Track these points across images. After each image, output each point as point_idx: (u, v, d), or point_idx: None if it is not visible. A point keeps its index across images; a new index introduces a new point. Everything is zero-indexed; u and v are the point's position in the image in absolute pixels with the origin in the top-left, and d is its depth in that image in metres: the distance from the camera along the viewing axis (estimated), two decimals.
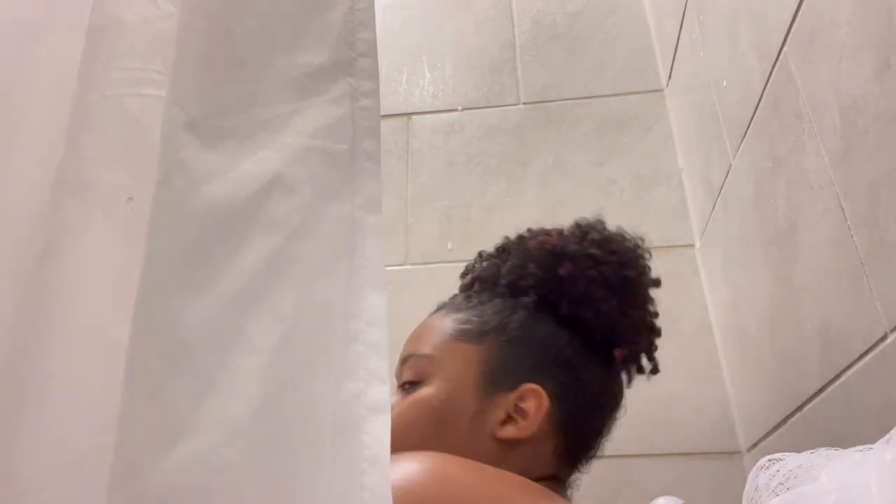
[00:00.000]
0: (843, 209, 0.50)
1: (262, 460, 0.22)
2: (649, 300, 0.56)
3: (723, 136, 0.77)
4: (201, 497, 0.22)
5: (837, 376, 0.52)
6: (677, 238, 0.93)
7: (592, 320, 0.52)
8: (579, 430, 0.50)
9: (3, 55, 0.34)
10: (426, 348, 0.50)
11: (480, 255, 0.59)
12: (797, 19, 0.56)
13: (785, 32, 0.58)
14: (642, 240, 0.57)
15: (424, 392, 0.48)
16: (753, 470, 0.36)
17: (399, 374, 0.51)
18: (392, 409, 0.45)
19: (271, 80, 0.29)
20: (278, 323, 0.24)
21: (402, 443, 0.43)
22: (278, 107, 0.29)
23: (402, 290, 0.92)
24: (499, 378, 0.48)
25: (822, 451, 0.34)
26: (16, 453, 0.23)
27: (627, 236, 0.56)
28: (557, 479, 0.49)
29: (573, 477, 0.51)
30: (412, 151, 1.06)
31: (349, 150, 0.28)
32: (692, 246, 0.91)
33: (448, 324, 0.51)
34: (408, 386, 0.49)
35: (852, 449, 0.33)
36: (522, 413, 0.47)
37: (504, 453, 0.46)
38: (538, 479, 0.46)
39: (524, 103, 1.07)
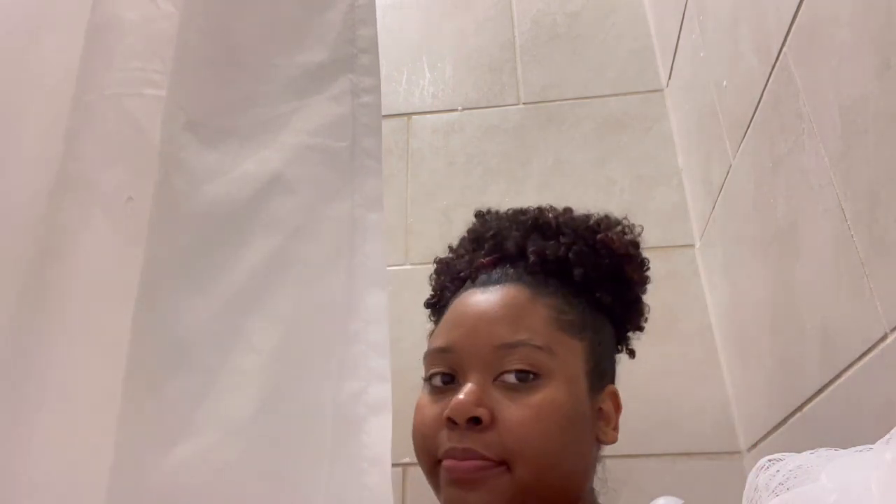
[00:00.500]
0: (843, 209, 0.50)
1: (261, 459, 0.22)
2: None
3: (723, 136, 0.77)
4: (201, 496, 0.22)
5: (837, 376, 0.52)
6: (677, 238, 0.92)
7: (632, 322, 0.54)
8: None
9: (3, 55, 0.34)
10: (538, 338, 0.46)
11: (496, 216, 0.56)
12: (797, 19, 0.56)
13: (785, 32, 0.58)
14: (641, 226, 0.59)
15: (554, 391, 0.44)
16: (753, 470, 0.36)
17: (497, 359, 0.45)
18: (498, 403, 0.43)
19: (271, 80, 0.29)
20: (278, 322, 0.24)
21: (545, 449, 0.43)
22: (279, 106, 0.29)
23: (402, 290, 0.92)
24: (597, 377, 0.48)
25: (822, 451, 0.34)
26: (16, 452, 0.23)
27: (637, 229, 0.57)
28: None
29: None
30: (412, 151, 1.06)
31: (349, 148, 0.28)
32: (692, 246, 0.91)
33: (543, 310, 0.47)
34: (525, 377, 0.44)
35: (852, 449, 0.33)
36: (603, 415, 0.48)
37: (595, 457, 0.48)
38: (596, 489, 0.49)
39: (524, 103, 1.07)
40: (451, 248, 0.60)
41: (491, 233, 0.55)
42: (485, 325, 0.47)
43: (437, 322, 0.55)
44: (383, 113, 0.30)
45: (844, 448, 0.34)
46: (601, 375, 0.48)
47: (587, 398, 0.46)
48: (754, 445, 0.73)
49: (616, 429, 0.48)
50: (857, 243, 0.48)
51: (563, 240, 0.52)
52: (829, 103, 0.51)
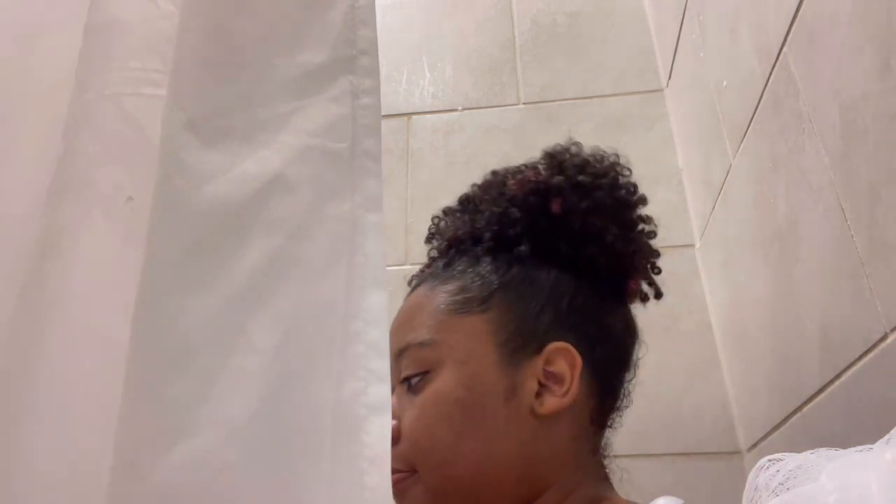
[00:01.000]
0: (843, 209, 0.50)
1: (262, 460, 0.22)
2: (645, 219, 0.50)
3: (723, 136, 0.77)
4: (201, 497, 0.22)
5: (837, 376, 0.52)
6: (677, 238, 0.93)
7: (599, 256, 0.45)
8: (612, 382, 0.44)
9: (3, 55, 0.34)
10: (423, 333, 0.42)
11: (444, 212, 0.51)
12: (797, 19, 0.55)
13: (785, 32, 0.58)
14: (617, 154, 0.50)
15: (440, 383, 0.40)
16: (753, 470, 0.36)
17: (396, 371, 0.43)
18: (402, 411, 0.41)
19: (271, 80, 0.29)
20: (279, 323, 0.24)
21: (433, 446, 0.38)
22: (278, 106, 0.29)
23: (402, 290, 0.92)
24: (519, 343, 0.41)
25: (822, 451, 0.34)
26: (15, 453, 0.23)
27: (605, 153, 0.49)
28: (602, 455, 0.44)
29: (606, 442, 0.45)
30: (412, 151, 1.06)
31: (349, 149, 0.28)
32: (692, 246, 0.91)
33: (439, 299, 0.44)
34: (413, 381, 0.41)
35: (852, 449, 0.33)
36: (555, 378, 0.40)
37: (547, 432, 0.40)
38: (593, 465, 0.42)
39: (524, 103, 1.07)
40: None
41: (428, 237, 0.53)
42: (391, 337, 0.46)
43: None
44: (383, 113, 0.30)
45: (844, 448, 0.34)
46: (528, 337, 0.41)
47: (498, 371, 0.40)
48: (754, 445, 0.73)
49: (567, 393, 0.40)
50: (857, 243, 0.48)
51: (476, 211, 0.48)
52: (829, 103, 0.51)
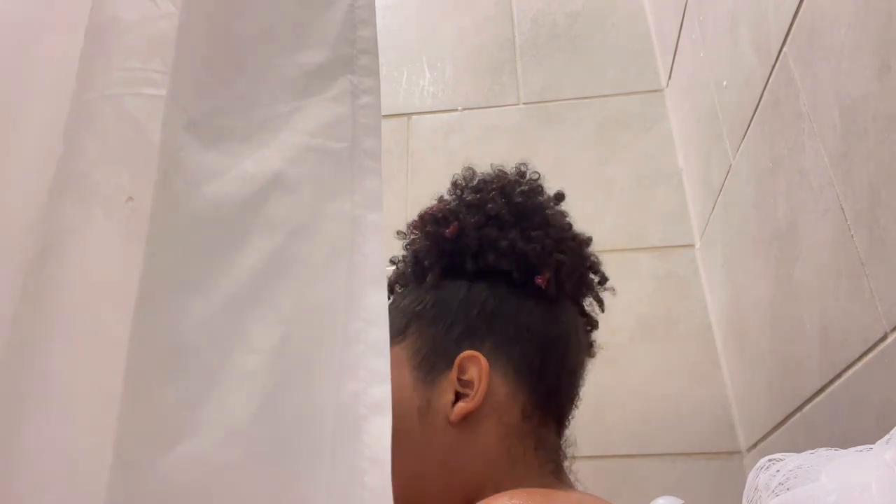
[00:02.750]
0: (843, 209, 0.50)
1: (262, 460, 0.22)
2: (556, 216, 0.51)
3: (723, 136, 0.77)
4: (201, 497, 0.22)
5: (837, 376, 0.52)
6: (677, 238, 0.93)
7: (500, 261, 0.47)
8: (542, 376, 0.45)
9: (3, 54, 0.34)
10: None
11: (392, 261, 0.55)
12: (797, 19, 0.56)
13: (785, 32, 0.58)
14: (524, 164, 0.53)
15: None
16: (753, 470, 0.36)
17: None
18: None
19: (271, 80, 0.29)
20: (278, 323, 0.24)
21: None
22: (278, 106, 0.29)
23: None
24: (433, 362, 0.44)
25: (822, 451, 0.34)
26: (16, 453, 0.23)
27: (500, 169, 0.53)
28: (551, 450, 0.44)
29: (564, 439, 0.46)
30: (412, 151, 1.06)
31: (349, 149, 0.28)
32: (692, 246, 0.91)
33: None
34: None
35: (852, 449, 0.33)
36: (469, 385, 0.43)
37: (469, 435, 0.42)
38: (535, 462, 0.42)
39: (524, 103, 1.07)
40: None
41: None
42: None
43: None
44: (383, 113, 0.30)
45: (844, 448, 0.34)
46: (440, 355, 0.44)
47: (414, 391, 0.43)
48: (754, 445, 0.73)
49: (475, 397, 0.42)
50: (857, 243, 0.48)
51: (405, 249, 0.52)
52: (829, 103, 0.51)
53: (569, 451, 0.46)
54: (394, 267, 0.55)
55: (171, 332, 0.24)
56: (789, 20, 0.56)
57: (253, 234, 0.26)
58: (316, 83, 0.29)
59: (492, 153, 1.06)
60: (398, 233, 0.55)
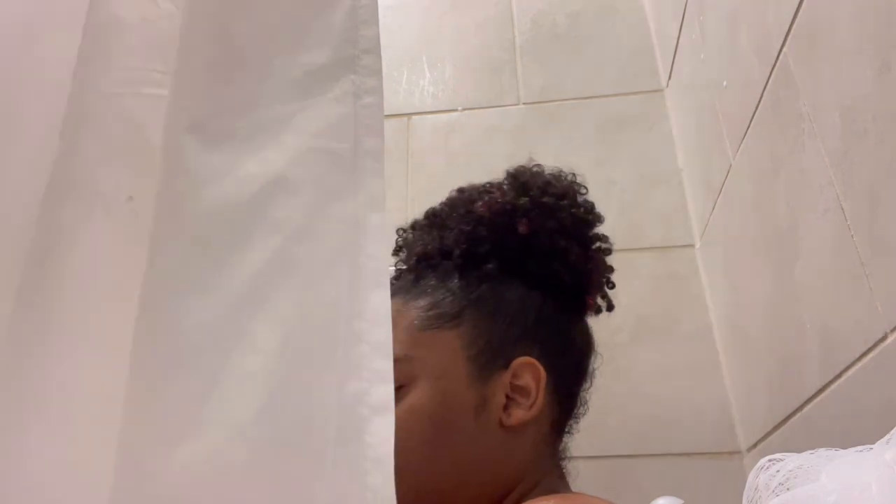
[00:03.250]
0: (843, 209, 0.50)
1: (265, 460, 0.22)
2: (601, 237, 0.52)
3: (723, 136, 0.77)
4: (204, 497, 0.21)
5: (837, 376, 0.52)
6: (677, 238, 0.93)
7: (563, 273, 0.47)
8: (571, 392, 0.46)
9: (3, 55, 0.34)
10: (397, 349, 0.43)
11: (411, 226, 0.53)
12: (797, 19, 0.56)
13: (785, 32, 0.58)
14: (574, 174, 0.53)
15: (413, 399, 0.42)
16: (753, 470, 0.36)
17: None
18: None
19: (273, 81, 0.29)
20: (281, 323, 0.24)
21: (406, 458, 0.38)
22: (280, 107, 0.29)
23: None
24: (489, 358, 0.43)
25: (822, 451, 0.34)
26: (18, 454, 0.23)
27: (564, 173, 0.52)
28: (560, 458, 0.46)
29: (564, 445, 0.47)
30: (412, 151, 1.06)
31: (351, 149, 0.28)
32: (692, 246, 0.92)
33: (411, 314, 0.45)
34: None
35: (852, 449, 0.33)
36: (521, 391, 0.43)
37: (514, 442, 0.42)
38: (551, 466, 0.43)
39: (524, 103, 1.07)
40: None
41: (395, 249, 0.53)
42: None
43: None
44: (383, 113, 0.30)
45: (844, 448, 0.34)
46: (497, 352, 0.43)
47: (470, 386, 0.42)
48: (754, 445, 0.74)
49: (534, 405, 0.42)
50: (857, 243, 0.48)
51: (444, 228, 0.49)
52: (829, 103, 0.51)
53: (566, 453, 0.48)
54: (406, 234, 0.52)
55: (174, 333, 0.24)
56: (789, 20, 0.56)
57: (255, 235, 0.26)
58: (318, 83, 0.29)
59: (492, 153, 1.06)
60: (440, 203, 0.52)
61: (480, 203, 0.49)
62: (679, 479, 0.78)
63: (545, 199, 0.49)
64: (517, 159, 1.04)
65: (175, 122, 0.28)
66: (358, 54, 0.29)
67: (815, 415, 0.56)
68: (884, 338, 0.45)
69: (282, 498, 0.22)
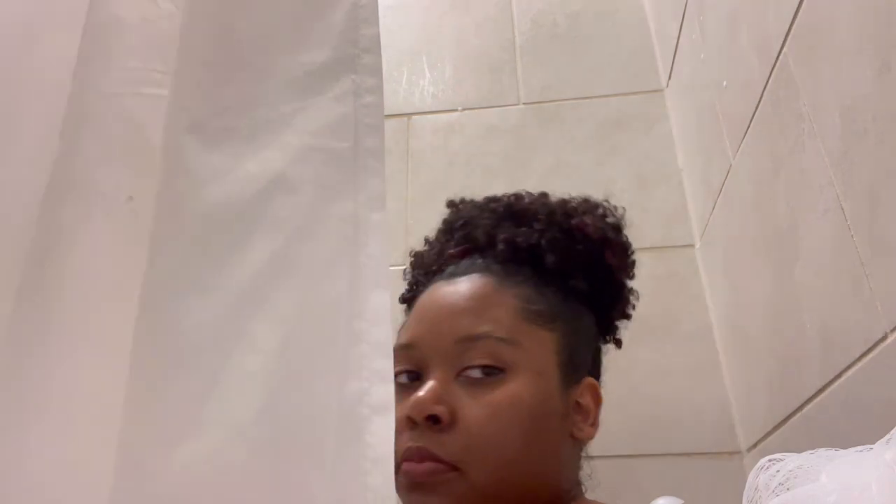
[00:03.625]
0: (843, 209, 0.50)
1: (265, 460, 0.22)
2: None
3: (723, 136, 0.77)
4: (204, 497, 0.21)
5: (837, 376, 0.52)
6: (677, 238, 0.93)
7: (619, 309, 0.51)
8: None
9: (3, 54, 0.34)
10: (502, 329, 0.43)
11: (480, 206, 0.52)
12: (797, 19, 0.56)
13: (785, 32, 0.58)
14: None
15: (517, 388, 0.41)
16: (753, 470, 0.36)
17: (459, 353, 0.42)
18: (458, 400, 0.40)
19: (273, 80, 0.29)
20: (281, 323, 0.24)
21: (502, 448, 0.39)
22: (281, 106, 0.29)
23: (401, 290, 0.92)
24: (571, 370, 0.44)
25: (822, 452, 0.34)
26: (18, 454, 0.23)
27: (619, 211, 0.54)
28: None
29: None
30: (412, 151, 1.06)
31: (352, 148, 0.28)
32: (692, 246, 0.91)
33: (510, 299, 0.44)
34: (490, 372, 0.41)
35: (852, 449, 0.33)
36: (581, 410, 0.44)
37: (575, 454, 0.44)
38: (580, 477, 0.46)
39: (524, 103, 1.07)
40: (426, 241, 0.56)
41: (461, 222, 0.52)
42: (447, 318, 0.44)
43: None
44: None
45: (844, 448, 0.34)
46: (576, 367, 0.45)
47: (559, 392, 0.43)
48: (754, 445, 0.73)
49: (595, 424, 0.45)
50: (857, 243, 0.48)
51: (536, 226, 0.49)
52: (829, 103, 0.51)
53: None
54: (472, 210, 0.52)
55: (174, 333, 0.24)
56: (789, 20, 0.56)
57: (255, 235, 0.26)
58: (318, 83, 0.29)
59: (492, 153, 1.06)
60: (519, 196, 0.52)
61: (578, 220, 0.50)
62: (679, 479, 0.78)
63: (624, 238, 0.51)
64: (517, 159, 1.04)
65: (175, 122, 0.28)
66: (358, 53, 0.29)
67: (815, 415, 0.56)
68: (884, 338, 0.45)
69: (282, 498, 0.22)
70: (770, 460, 0.36)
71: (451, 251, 0.51)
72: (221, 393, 0.23)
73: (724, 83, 0.76)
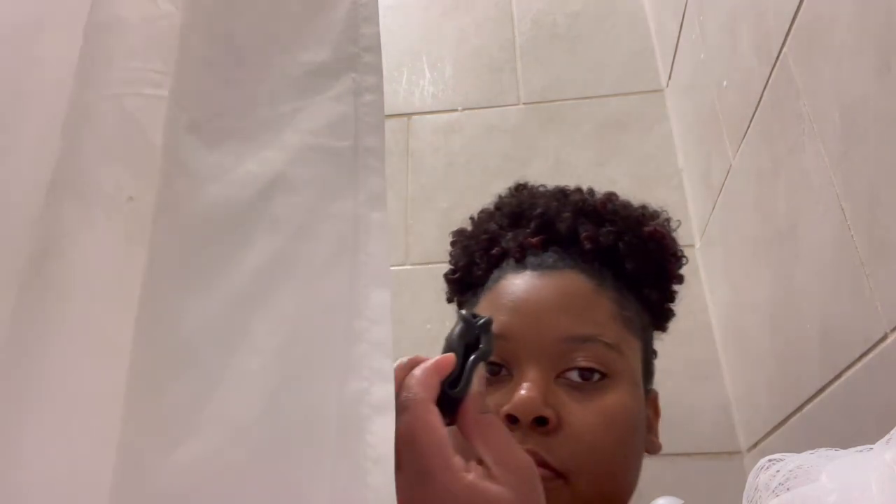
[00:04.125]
0: (843, 209, 0.50)
1: (265, 460, 0.22)
2: None
3: (723, 136, 0.77)
4: (204, 497, 0.21)
5: (837, 376, 0.52)
6: (677, 238, 0.92)
7: (669, 317, 0.51)
8: None
9: (2, 54, 0.34)
10: (608, 334, 0.41)
11: (552, 196, 0.50)
12: (797, 19, 0.56)
13: (785, 32, 0.58)
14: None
15: (622, 396, 0.40)
16: (753, 470, 0.36)
17: (562, 353, 0.40)
18: (563, 405, 0.38)
19: (273, 79, 0.29)
20: (282, 323, 0.24)
21: (613, 456, 0.38)
22: (280, 106, 0.29)
23: (402, 290, 0.92)
24: (647, 381, 0.45)
25: (822, 451, 0.34)
26: (16, 454, 0.23)
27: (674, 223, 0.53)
28: None
29: None
30: (412, 151, 1.06)
31: (352, 148, 0.28)
32: (692, 246, 0.91)
33: (608, 303, 0.43)
34: (591, 376, 0.40)
35: (852, 449, 0.33)
36: (649, 423, 0.45)
37: (638, 464, 0.43)
38: None
39: (524, 103, 1.07)
40: (472, 220, 0.53)
41: (538, 210, 0.49)
42: (548, 314, 0.41)
43: (462, 299, 0.50)
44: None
45: (844, 448, 0.34)
46: (649, 378, 0.45)
47: (643, 405, 0.43)
48: (754, 445, 0.73)
49: (657, 437, 0.45)
50: (857, 243, 0.48)
51: (610, 227, 0.47)
52: (829, 103, 0.51)
53: None
54: (542, 200, 0.49)
55: (174, 333, 0.24)
56: (789, 20, 0.56)
57: (256, 235, 0.26)
58: (318, 82, 0.29)
59: (492, 153, 1.06)
60: (581, 193, 0.51)
61: (650, 228, 0.48)
62: (679, 479, 0.78)
63: (680, 251, 0.51)
64: (517, 159, 1.04)
65: (175, 122, 0.28)
66: (358, 52, 0.29)
67: (815, 415, 0.56)
68: (884, 338, 0.45)
69: (282, 498, 0.22)
70: (770, 460, 0.36)
71: (532, 240, 0.47)
72: (221, 393, 0.23)
73: (724, 83, 0.76)
